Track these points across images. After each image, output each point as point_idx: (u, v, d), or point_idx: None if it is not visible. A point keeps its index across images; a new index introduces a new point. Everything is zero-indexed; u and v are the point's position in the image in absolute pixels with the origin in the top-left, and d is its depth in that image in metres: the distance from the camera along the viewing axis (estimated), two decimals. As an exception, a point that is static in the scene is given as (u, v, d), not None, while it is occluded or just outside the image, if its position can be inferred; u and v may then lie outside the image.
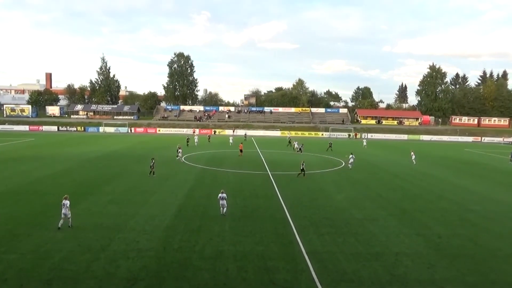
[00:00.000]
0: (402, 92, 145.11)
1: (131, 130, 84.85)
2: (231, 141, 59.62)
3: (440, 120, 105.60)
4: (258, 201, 24.26)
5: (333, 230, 18.87)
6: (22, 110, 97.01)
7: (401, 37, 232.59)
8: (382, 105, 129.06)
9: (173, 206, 22.42)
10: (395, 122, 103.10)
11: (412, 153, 43.45)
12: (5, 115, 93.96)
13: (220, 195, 20.37)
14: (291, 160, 43.35)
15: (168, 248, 15.86)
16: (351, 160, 37.86)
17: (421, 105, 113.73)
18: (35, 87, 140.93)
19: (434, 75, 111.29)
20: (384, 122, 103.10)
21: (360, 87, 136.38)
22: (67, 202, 17.71)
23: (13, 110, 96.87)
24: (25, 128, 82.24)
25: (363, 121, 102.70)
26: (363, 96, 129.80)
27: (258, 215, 21.11)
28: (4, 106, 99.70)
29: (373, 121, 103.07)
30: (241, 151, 46.21)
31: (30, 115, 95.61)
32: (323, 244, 16.89)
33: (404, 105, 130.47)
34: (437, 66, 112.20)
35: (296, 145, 53.53)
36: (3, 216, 19.54)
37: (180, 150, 40.69)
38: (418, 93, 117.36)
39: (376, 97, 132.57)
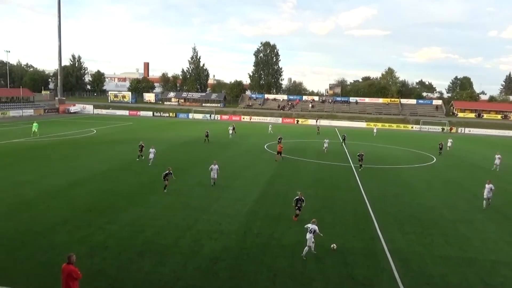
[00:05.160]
0: (510, 82, 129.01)
1: (216, 117, 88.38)
2: (270, 129, 58.15)
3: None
4: (339, 193, 23.78)
5: (420, 229, 17.77)
6: (124, 96, 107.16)
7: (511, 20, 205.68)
8: (484, 97, 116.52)
9: (254, 192, 23.04)
10: (499, 116, 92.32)
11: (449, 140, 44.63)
12: (109, 101, 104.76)
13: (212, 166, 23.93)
14: (376, 152, 41.50)
15: (248, 233, 16.40)
16: None
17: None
18: (134, 75, 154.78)
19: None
20: (485, 116, 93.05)
21: (458, 77, 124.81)
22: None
23: (116, 96, 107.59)
24: (125, 113, 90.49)
25: (460, 114, 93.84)
26: (462, 86, 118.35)
27: (338, 207, 20.73)
28: (109, 92, 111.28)
29: (472, 115, 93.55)
30: (279, 153, 34.39)
31: (130, 101, 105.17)
32: (408, 244, 16.02)
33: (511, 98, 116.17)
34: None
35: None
36: (107, 191, 21.98)
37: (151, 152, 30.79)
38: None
39: (477, 88, 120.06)
